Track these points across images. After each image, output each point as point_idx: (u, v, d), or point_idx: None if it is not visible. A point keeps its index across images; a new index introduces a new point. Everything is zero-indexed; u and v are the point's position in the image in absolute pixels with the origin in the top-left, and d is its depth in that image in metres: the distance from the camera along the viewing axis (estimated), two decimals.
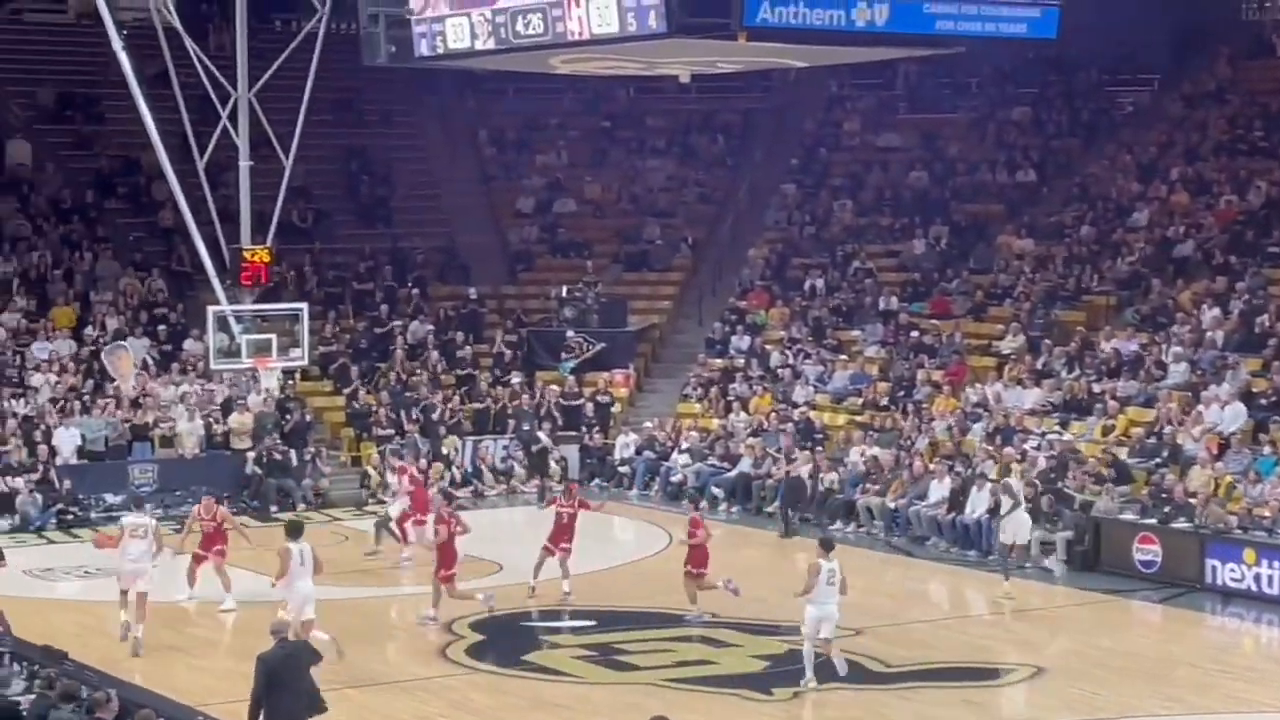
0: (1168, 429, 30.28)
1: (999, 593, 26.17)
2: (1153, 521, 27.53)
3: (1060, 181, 41.30)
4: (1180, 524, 27.28)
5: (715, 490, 33.76)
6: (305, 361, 33.31)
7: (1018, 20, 22.08)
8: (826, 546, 21.26)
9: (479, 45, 22.44)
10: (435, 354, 38.19)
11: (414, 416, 35.84)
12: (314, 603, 21.64)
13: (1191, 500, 27.48)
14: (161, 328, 37.05)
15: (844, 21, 20.54)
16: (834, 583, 20.89)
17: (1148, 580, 26.95)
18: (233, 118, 31.35)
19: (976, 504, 29.16)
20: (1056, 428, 31.83)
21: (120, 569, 23.04)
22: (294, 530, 22.16)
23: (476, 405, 36.93)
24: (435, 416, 35.89)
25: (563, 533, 25.99)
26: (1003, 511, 27.27)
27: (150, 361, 35.81)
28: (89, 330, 36.43)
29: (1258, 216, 36.39)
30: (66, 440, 33.11)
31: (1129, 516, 28.04)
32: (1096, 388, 32.67)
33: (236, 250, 31.09)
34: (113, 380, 34.70)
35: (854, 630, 23.61)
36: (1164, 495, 27.91)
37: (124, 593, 22.97)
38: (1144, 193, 38.76)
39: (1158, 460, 29.57)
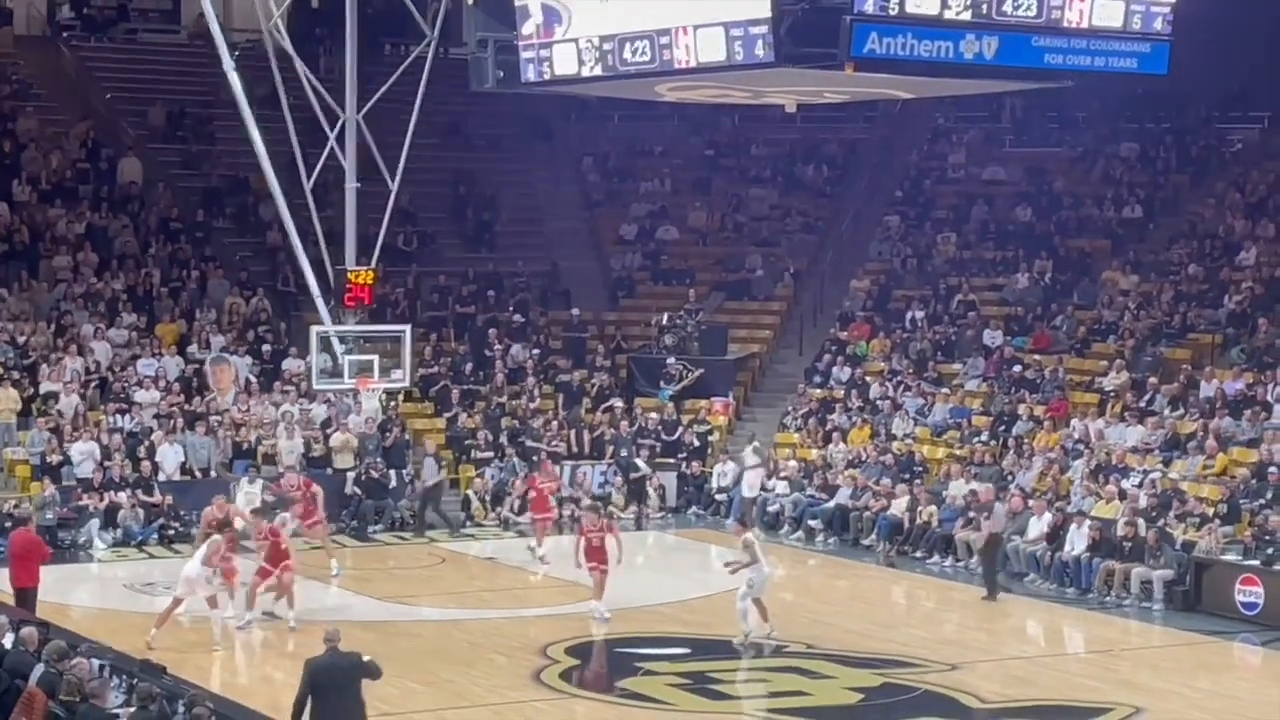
0: (1272, 469, 29.90)
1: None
2: (1255, 563, 27.18)
3: (1167, 218, 40.93)
4: None
5: (812, 522, 33.65)
6: (406, 383, 33.59)
7: (1128, 55, 21.86)
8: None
9: (586, 72, 22.54)
10: (534, 379, 38.27)
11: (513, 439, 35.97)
12: (188, 584, 23.54)
13: None
14: (265, 347, 37.28)
15: (952, 53, 20.48)
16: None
17: (1249, 622, 26.59)
18: (340, 140, 31.74)
19: (1076, 541, 28.91)
20: (1159, 466, 31.53)
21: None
22: None
23: (580, 423, 36.90)
24: (533, 441, 35.93)
25: (595, 554, 26.10)
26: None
27: (252, 380, 36.08)
28: (193, 348, 36.75)
29: None
30: (170, 456, 33.37)
31: (1231, 557, 27.72)
32: (1200, 426, 32.33)
33: (341, 271, 31.48)
34: (211, 392, 34.95)
35: (950, 665, 23.48)
36: (1267, 536, 27.57)
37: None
38: (1252, 230, 38.38)
39: (1262, 501, 29.22)
